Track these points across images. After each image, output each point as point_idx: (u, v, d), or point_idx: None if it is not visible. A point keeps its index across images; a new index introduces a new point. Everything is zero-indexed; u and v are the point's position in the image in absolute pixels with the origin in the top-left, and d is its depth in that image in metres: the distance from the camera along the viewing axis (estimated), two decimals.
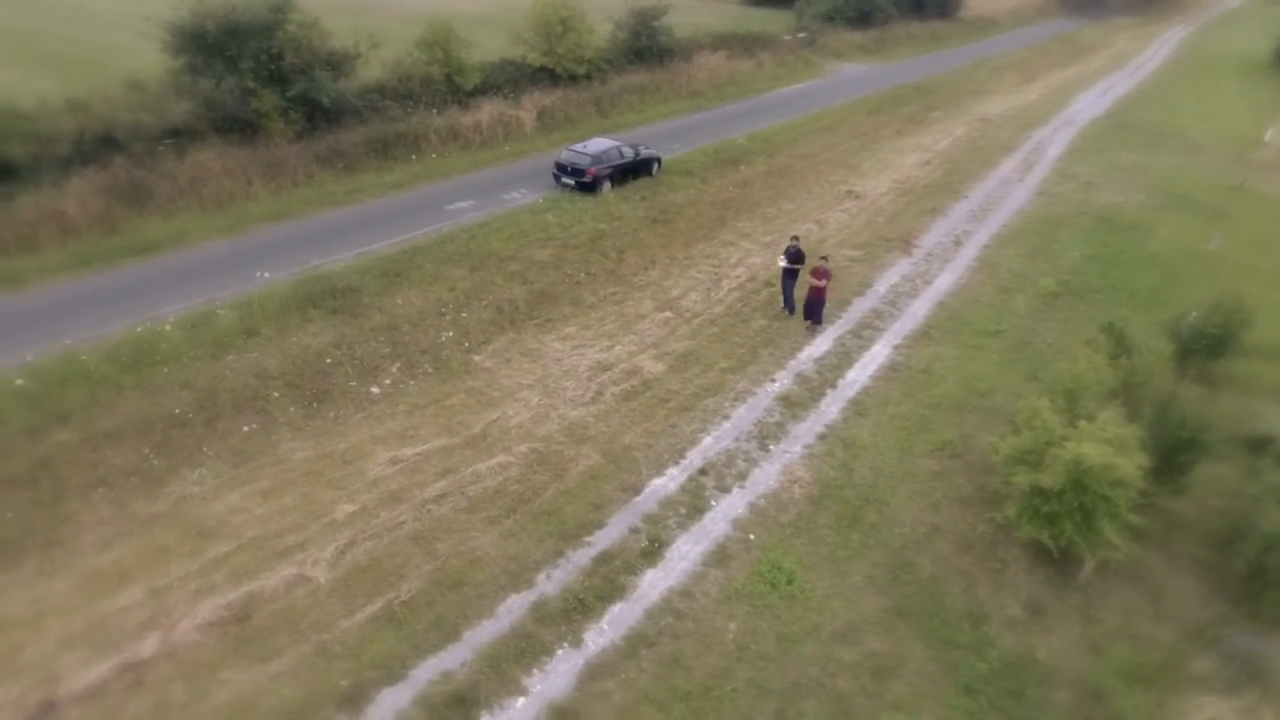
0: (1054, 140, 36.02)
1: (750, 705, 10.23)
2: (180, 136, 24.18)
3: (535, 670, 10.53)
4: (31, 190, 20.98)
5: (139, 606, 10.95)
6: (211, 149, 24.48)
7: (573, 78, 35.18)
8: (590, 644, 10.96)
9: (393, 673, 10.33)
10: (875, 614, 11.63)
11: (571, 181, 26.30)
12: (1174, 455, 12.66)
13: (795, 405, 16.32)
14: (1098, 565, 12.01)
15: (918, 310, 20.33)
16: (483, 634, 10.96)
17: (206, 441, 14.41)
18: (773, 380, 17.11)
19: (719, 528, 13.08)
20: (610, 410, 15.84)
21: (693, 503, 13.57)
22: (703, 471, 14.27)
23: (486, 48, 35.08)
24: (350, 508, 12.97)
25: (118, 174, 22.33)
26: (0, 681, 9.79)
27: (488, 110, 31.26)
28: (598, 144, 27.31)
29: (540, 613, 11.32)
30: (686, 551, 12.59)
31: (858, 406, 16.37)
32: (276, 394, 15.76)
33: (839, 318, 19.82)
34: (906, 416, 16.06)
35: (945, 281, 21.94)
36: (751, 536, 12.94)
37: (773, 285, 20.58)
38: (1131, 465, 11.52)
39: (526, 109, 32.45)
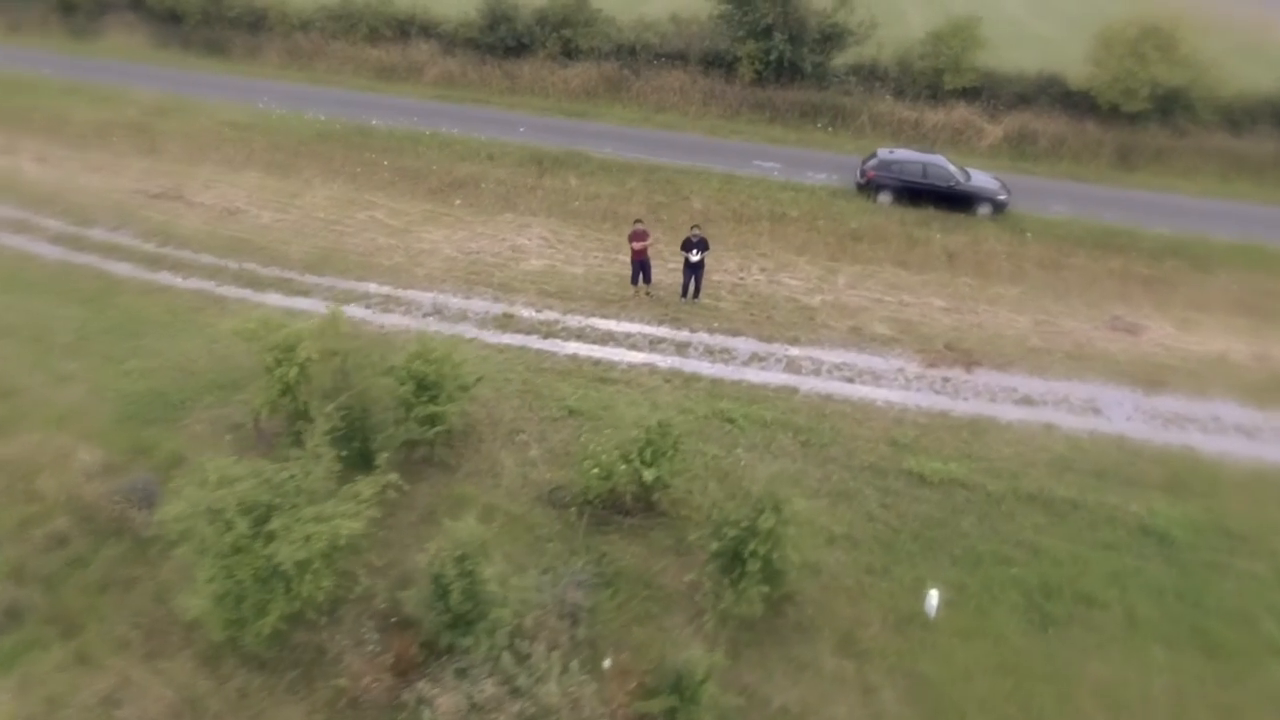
0: None
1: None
2: (672, 58, 33.07)
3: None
4: (569, 66, 33.63)
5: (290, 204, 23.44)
6: (685, 72, 32.74)
7: (1122, 114, 28.67)
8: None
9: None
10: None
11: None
12: None
13: (500, 325, 18.16)
14: None
15: (764, 377, 16.19)
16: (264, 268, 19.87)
17: (379, 177, 25.47)
18: (540, 311, 18.65)
19: (390, 322, 18.03)
20: (459, 259, 20.70)
21: (390, 305, 18.80)
22: (435, 306, 18.78)
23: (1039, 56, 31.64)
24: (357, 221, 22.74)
25: (609, 70, 33.14)
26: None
27: (948, 112, 29.92)
28: (904, 154, 25.23)
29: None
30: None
31: (522, 355, 16.93)
32: (440, 185, 25.26)
33: (709, 329, 17.90)
34: (510, 377, 16.13)
35: (873, 393, 15.77)
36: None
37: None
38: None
39: (1001, 125, 29.43)
